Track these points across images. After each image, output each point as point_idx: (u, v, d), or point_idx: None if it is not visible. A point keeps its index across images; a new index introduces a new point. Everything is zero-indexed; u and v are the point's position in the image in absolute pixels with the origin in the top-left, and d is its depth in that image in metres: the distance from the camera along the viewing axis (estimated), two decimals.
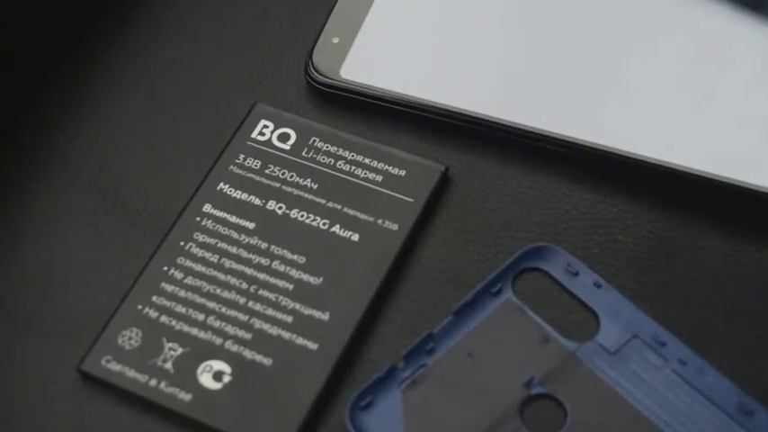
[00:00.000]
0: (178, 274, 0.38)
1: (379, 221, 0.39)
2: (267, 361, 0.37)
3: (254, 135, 0.41)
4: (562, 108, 0.41)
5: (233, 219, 0.40)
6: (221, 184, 0.40)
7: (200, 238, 0.39)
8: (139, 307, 0.38)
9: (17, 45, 0.44)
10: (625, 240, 0.39)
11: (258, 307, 0.38)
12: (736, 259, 0.39)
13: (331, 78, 0.42)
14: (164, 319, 0.38)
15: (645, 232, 0.39)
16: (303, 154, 0.41)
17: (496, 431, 0.35)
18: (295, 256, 0.39)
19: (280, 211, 0.40)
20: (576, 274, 0.38)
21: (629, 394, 0.36)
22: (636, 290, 0.38)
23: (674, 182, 0.39)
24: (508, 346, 0.37)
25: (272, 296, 0.38)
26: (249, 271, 0.38)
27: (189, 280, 0.38)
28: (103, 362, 0.37)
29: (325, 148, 0.41)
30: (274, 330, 0.37)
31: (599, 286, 0.38)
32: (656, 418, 0.35)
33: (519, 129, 0.41)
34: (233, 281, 0.38)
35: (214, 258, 0.39)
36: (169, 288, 0.38)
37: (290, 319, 0.37)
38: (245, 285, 0.38)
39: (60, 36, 0.45)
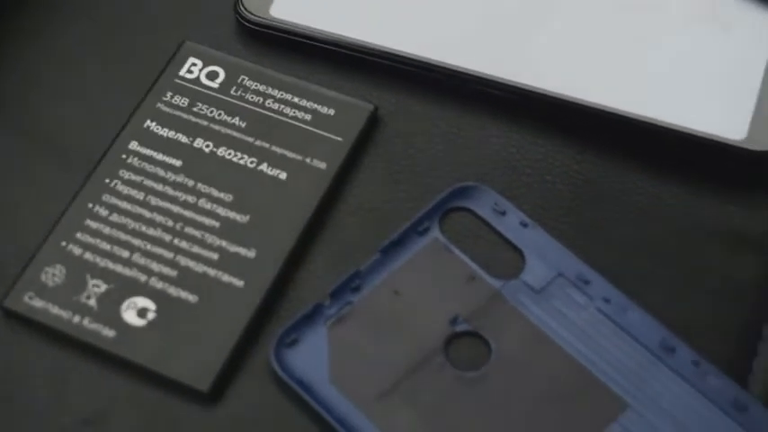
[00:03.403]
0: (103, 212, 0.38)
1: (308, 160, 0.39)
2: (192, 298, 0.36)
3: (182, 73, 0.41)
4: (492, 49, 0.41)
5: (159, 156, 0.39)
6: (148, 121, 0.40)
7: (126, 175, 0.39)
8: (63, 243, 0.37)
9: None
10: (553, 180, 0.39)
11: (184, 244, 0.37)
12: (662, 200, 0.39)
13: (261, 17, 0.42)
14: (88, 255, 0.37)
15: (572, 173, 0.39)
16: (232, 92, 0.41)
17: (421, 367, 0.35)
18: (222, 194, 0.38)
19: (207, 149, 0.39)
20: (504, 213, 0.38)
21: (553, 332, 0.36)
22: (563, 229, 0.38)
23: (602, 123, 0.39)
24: (434, 284, 0.37)
25: (197, 233, 0.38)
26: (175, 208, 0.38)
27: (114, 217, 0.38)
28: (26, 298, 0.36)
29: (253, 86, 0.41)
30: (200, 268, 0.37)
31: (525, 225, 0.38)
32: (579, 355, 0.35)
33: (449, 69, 0.40)
34: (159, 218, 0.38)
35: (140, 196, 0.38)
36: (94, 225, 0.38)
37: (215, 256, 0.37)
38: (170, 223, 0.38)
39: None
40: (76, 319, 0.36)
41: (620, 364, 0.35)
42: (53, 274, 0.37)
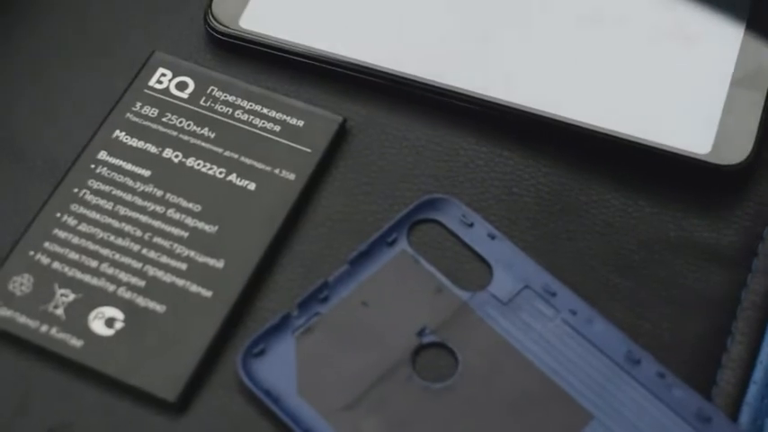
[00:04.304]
0: (71, 221, 0.38)
1: (276, 171, 0.39)
2: (160, 308, 0.37)
3: (151, 83, 0.41)
4: (460, 62, 0.41)
5: (128, 166, 0.39)
6: (117, 131, 0.40)
7: (95, 185, 0.39)
8: (31, 253, 0.37)
9: None
10: (520, 193, 0.39)
11: (152, 254, 0.37)
12: (627, 213, 0.39)
13: (230, 28, 0.42)
14: (56, 265, 0.37)
15: (539, 185, 0.40)
16: (201, 103, 0.41)
17: (389, 379, 0.35)
18: (191, 205, 0.38)
19: (176, 160, 0.39)
20: (471, 225, 0.38)
21: (520, 343, 0.36)
22: (529, 241, 0.39)
23: (569, 136, 0.40)
24: (402, 295, 0.37)
25: (166, 243, 0.38)
26: (144, 218, 0.38)
27: (82, 227, 0.38)
28: None
29: (223, 97, 0.41)
30: (168, 278, 0.37)
31: (493, 237, 0.38)
32: (546, 367, 0.36)
33: (418, 82, 0.41)
34: (127, 228, 0.38)
35: (108, 206, 0.38)
36: (62, 234, 0.38)
37: (184, 266, 0.37)
38: (139, 233, 0.38)
39: None
40: (44, 328, 0.36)
41: (586, 375, 0.35)
42: (21, 284, 0.37)
